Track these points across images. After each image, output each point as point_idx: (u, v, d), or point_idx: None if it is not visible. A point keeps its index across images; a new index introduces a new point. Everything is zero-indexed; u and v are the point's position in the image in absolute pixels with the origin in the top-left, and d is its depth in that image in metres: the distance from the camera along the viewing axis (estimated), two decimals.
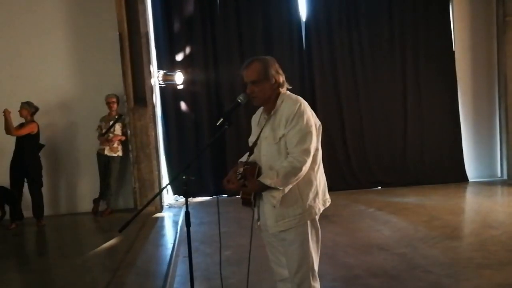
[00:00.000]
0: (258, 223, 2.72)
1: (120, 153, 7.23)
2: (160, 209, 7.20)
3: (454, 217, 6.34)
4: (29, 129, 6.59)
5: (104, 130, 7.20)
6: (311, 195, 2.60)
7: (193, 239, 2.70)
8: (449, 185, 8.38)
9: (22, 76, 7.34)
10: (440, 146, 8.71)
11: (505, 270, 4.11)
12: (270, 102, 2.64)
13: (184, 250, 4.91)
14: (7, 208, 6.91)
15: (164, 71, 7.95)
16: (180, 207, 7.51)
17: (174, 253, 4.88)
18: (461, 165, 8.74)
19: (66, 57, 7.48)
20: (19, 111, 6.63)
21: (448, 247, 4.88)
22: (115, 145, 7.18)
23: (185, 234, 2.65)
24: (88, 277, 4.38)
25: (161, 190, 6.90)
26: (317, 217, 2.65)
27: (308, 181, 2.59)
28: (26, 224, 6.69)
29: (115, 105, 7.25)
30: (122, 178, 7.46)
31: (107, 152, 7.15)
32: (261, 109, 2.78)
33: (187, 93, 8.31)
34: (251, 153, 2.71)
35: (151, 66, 7.42)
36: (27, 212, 6.73)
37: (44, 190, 6.84)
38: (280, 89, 2.64)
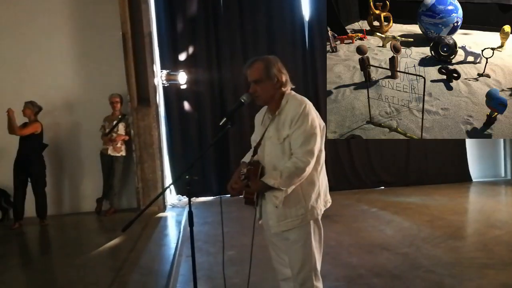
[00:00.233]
0: (260, 221, 2.72)
1: (123, 153, 7.26)
2: (163, 208, 7.20)
3: (458, 217, 6.32)
4: (33, 128, 6.61)
5: (107, 130, 7.22)
6: (313, 196, 2.59)
7: (196, 239, 2.71)
8: (453, 185, 8.37)
9: (26, 75, 7.37)
10: (443, 146, 8.69)
11: (508, 270, 4.09)
12: (274, 102, 2.63)
13: (187, 249, 4.93)
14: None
15: (168, 71, 7.94)
16: (183, 207, 7.52)
17: (177, 252, 4.88)
18: (464, 165, 8.72)
19: (69, 57, 7.50)
20: (22, 110, 6.63)
21: (451, 247, 4.86)
22: (119, 145, 7.20)
23: (188, 234, 2.66)
24: (91, 277, 4.38)
25: (164, 190, 6.90)
26: (319, 217, 2.65)
27: (311, 182, 2.59)
28: (30, 224, 6.70)
29: (119, 105, 7.27)
30: (125, 178, 7.48)
31: (110, 152, 7.17)
32: (265, 108, 2.76)
33: (190, 93, 8.31)
34: (255, 153, 2.70)
35: (154, 66, 7.43)
36: (31, 211, 6.73)
37: (47, 189, 6.86)
38: (283, 88, 2.62)
